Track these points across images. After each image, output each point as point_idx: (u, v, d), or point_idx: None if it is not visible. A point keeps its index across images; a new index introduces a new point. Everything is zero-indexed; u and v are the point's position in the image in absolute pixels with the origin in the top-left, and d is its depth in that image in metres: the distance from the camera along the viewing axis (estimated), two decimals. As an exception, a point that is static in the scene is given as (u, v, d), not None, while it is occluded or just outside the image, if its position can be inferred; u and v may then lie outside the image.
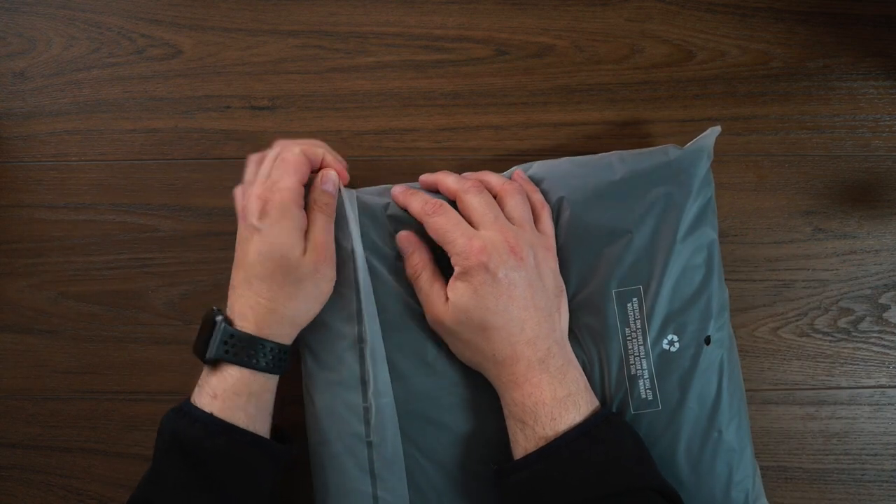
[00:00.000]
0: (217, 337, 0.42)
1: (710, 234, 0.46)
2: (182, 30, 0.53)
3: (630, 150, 0.47)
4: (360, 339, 0.45)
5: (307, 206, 0.44)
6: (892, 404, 0.52)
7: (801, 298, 0.52)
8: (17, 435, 0.53)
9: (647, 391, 0.44)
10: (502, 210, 0.44)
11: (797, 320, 0.52)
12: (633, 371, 0.45)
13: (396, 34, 0.53)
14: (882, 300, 0.52)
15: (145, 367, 0.52)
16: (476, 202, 0.44)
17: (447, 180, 0.45)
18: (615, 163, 0.46)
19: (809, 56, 0.53)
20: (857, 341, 0.52)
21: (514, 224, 0.44)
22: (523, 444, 0.41)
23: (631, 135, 0.52)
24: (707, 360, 0.45)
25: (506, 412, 0.43)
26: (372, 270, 0.46)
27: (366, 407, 0.45)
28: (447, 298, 0.43)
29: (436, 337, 0.46)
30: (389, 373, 0.45)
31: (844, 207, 0.53)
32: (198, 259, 0.52)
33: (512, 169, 0.48)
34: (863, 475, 0.52)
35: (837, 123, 0.53)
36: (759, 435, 0.52)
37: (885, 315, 0.52)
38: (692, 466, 0.45)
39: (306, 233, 0.43)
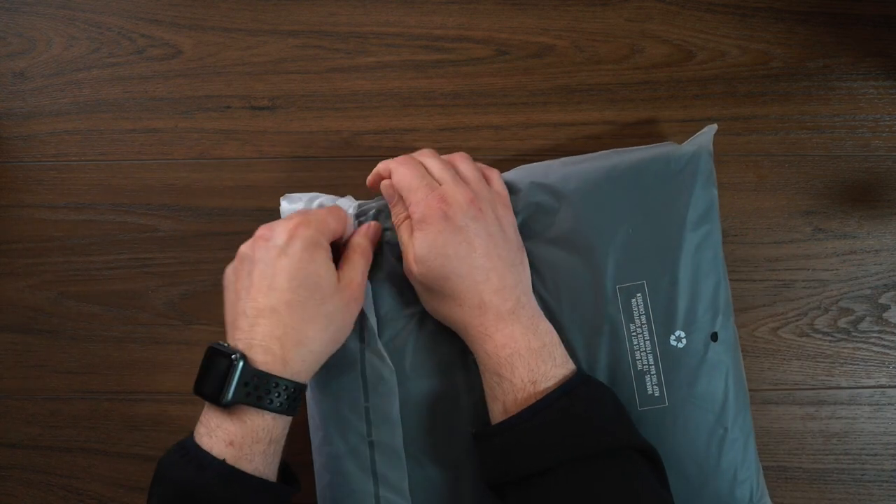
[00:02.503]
0: (235, 377, 0.38)
1: (714, 230, 0.46)
2: (182, 30, 0.53)
3: (630, 148, 0.47)
4: (361, 340, 0.45)
5: (345, 249, 0.44)
6: (892, 404, 0.52)
7: (801, 298, 0.52)
8: (17, 435, 0.53)
9: (654, 387, 0.45)
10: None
11: (797, 320, 0.52)
12: (639, 367, 0.45)
13: (396, 34, 0.53)
14: (882, 300, 0.52)
15: (145, 367, 0.52)
16: (433, 163, 0.44)
17: (400, 157, 0.45)
18: (615, 160, 0.46)
19: (809, 56, 0.53)
20: (857, 341, 0.52)
21: (469, 184, 0.44)
22: (501, 398, 0.41)
23: (631, 135, 0.52)
24: (714, 356, 0.45)
25: (481, 368, 0.43)
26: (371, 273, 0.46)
27: (367, 407, 0.45)
28: None
29: (437, 338, 0.46)
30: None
31: (844, 207, 0.53)
32: (198, 259, 0.52)
33: (514, 169, 0.48)
34: (863, 475, 0.52)
35: (837, 123, 0.53)
36: (759, 435, 0.51)
37: (885, 315, 0.52)
38: (698, 464, 0.45)
39: (339, 270, 0.43)
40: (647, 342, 0.45)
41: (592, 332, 0.45)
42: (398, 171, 0.44)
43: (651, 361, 0.45)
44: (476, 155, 0.52)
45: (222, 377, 0.38)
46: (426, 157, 0.45)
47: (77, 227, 0.53)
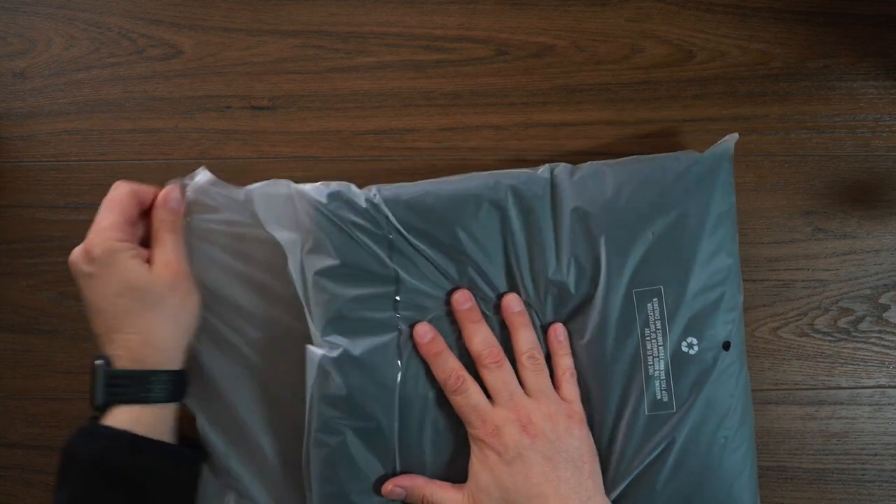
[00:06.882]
0: (100, 381, 0.42)
1: (730, 237, 0.46)
2: (182, 30, 0.53)
3: (649, 155, 0.47)
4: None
5: (153, 228, 0.45)
6: (892, 404, 0.52)
7: (801, 298, 0.52)
8: (17, 435, 0.53)
9: (663, 392, 0.45)
10: (521, 383, 0.45)
11: (797, 320, 0.52)
12: (650, 371, 0.45)
13: (396, 34, 0.53)
14: (882, 300, 0.52)
15: (145, 367, 0.52)
16: (492, 379, 0.44)
17: (474, 340, 0.45)
18: (638, 166, 0.46)
19: (809, 56, 0.53)
20: (857, 341, 0.52)
21: (531, 396, 0.44)
22: None
23: (631, 135, 0.52)
24: (724, 365, 0.45)
25: None
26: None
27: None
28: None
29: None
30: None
31: (844, 207, 0.53)
32: (198, 259, 0.52)
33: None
34: (863, 475, 0.52)
35: (837, 123, 0.53)
36: (760, 435, 0.51)
37: (885, 315, 0.52)
38: (700, 469, 0.45)
39: (152, 255, 0.44)
40: (661, 348, 0.45)
41: (610, 336, 0.45)
42: (453, 401, 0.45)
43: (662, 367, 0.45)
44: (476, 155, 0.52)
45: (93, 385, 0.42)
46: (489, 369, 0.44)
47: (77, 227, 0.53)
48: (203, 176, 0.47)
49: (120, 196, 0.44)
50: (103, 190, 0.53)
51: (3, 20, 0.53)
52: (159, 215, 0.45)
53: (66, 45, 0.53)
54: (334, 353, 0.44)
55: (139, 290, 0.43)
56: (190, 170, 0.52)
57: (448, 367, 0.45)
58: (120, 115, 0.53)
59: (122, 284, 0.43)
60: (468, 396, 0.44)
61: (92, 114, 0.53)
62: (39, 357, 0.53)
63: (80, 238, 0.52)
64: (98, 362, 0.43)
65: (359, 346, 0.45)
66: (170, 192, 0.45)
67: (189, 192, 0.46)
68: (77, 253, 0.44)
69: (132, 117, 0.53)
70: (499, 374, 0.44)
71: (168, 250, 0.44)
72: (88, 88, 0.53)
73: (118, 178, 0.53)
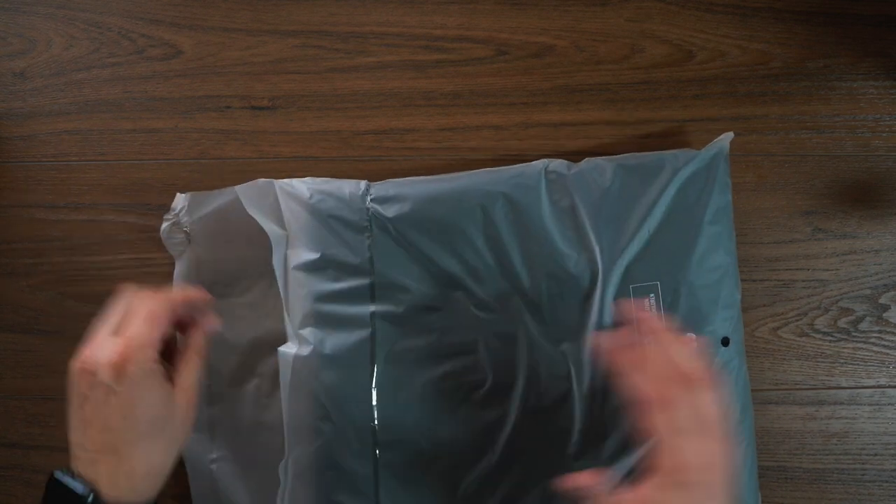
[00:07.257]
0: None
1: (727, 236, 0.46)
2: (182, 30, 0.53)
3: (647, 153, 0.47)
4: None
5: (185, 347, 0.43)
6: (892, 404, 0.52)
7: (801, 298, 0.52)
8: (17, 435, 0.53)
9: None
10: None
11: (797, 320, 0.52)
12: None
13: (396, 34, 0.53)
14: (882, 300, 0.52)
15: (145, 367, 0.52)
16: (682, 416, 0.38)
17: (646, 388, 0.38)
18: (635, 162, 0.46)
19: (809, 56, 0.53)
20: (857, 341, 0.52)
21: (706, 424, 0.38)
22: None
23: (631, 135, 0.52)
24: (723, 360, 0.45)
25: None
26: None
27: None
28: None
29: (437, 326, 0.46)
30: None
31: (844, 207, 0.53)
32: (198, 259, 0.52)
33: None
34: (863, 475, 0.52)
35: (837, 123, 0.53)
36: (760, 435, 0.52)
37: (885, 315, 0.52)
38: None
39: (177, 374, 0.42)
40: None
41: (605, 330, 0.45)
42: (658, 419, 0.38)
43: None
44: (476, 155, 0.52)
45: None
46: (673, 408, 0.37)
47: (77, 227, 0.53)
48: (182, 201, 0.49)
49: (162, 311, 0.40)
50: (103, 190, 0.53)
51: (3, 20, 0.53)
52: (197, 339, 0.43)
53: (66, 45, 0.53)
54: (305, 352, 0.44)
55: (161, 419, 0.40)
56: (190, 169, 0.53)
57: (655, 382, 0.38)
58: (120, 115, 0.53)
59: (147, 408, 0.39)
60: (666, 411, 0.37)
61: (92, 114, 0.53)
62: (39, 357, 0.53)
63: (81, 238, 0.53)
64: (87, 497, 0.38)
65: (329, 344, 0.44)
66: (212, 319, 0.43)
67: (193, 220, 0.49)
68: (104, 363, 0.38)
69: (132, 117, 0.53)
70: (685, 413, 0.38)
71: (193, 375, 0.42)
72: (88, 88, 0.53)
73: (118, 178, 0.53)
